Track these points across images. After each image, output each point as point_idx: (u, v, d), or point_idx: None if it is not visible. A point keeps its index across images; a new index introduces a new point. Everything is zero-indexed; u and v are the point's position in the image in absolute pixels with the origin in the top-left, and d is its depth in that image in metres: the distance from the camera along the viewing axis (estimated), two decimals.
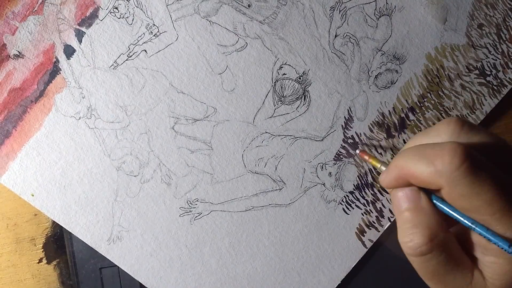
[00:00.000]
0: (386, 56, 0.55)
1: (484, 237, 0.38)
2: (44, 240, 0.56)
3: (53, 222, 0.56)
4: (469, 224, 0.39)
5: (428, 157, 0.39)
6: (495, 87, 0.56)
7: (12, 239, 0.55)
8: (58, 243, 0.57)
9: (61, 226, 0.54)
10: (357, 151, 0.53)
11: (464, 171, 0.37)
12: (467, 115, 0.56)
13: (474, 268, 0.41)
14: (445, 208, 0.40)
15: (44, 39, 0.52)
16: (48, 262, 0.56)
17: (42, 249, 0.56)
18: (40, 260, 0.56)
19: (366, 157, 0.51)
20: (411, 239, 0.40)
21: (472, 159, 0.37)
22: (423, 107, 0.56)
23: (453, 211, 0.40)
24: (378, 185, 0.56)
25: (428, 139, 0.42)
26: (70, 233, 0.54)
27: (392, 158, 0.55)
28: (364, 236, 0.56)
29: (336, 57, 0.55)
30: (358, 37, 0.55)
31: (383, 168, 0.48)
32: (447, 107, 0.56)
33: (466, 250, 0.42)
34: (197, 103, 0.54)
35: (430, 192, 0.41)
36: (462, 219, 0.39)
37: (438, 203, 0.41)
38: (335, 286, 0.56)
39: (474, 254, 0.41)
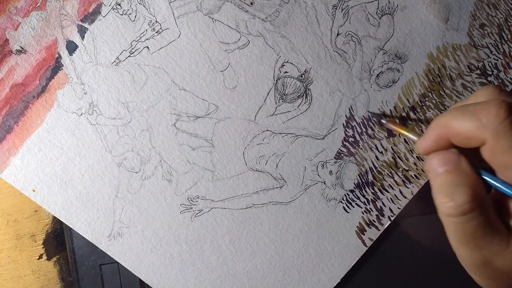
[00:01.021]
0: (388, 55, 0.55)
1: None
2: (44, 236, 0.56)
3: (54, 218, 0.56)
4: (506, 188, 0.39)
5: (473, 112, 0.39)
6: None
7: (12, 235, 0.56)
8: (58, 240, 0.57)
9: (61, 222, 0.54)
10: (384, 121, 0.53)
11: (510, 124, 0.37)
12: None
13: (509, 236, 0.40)
14: (486, 175, 0.40)
15: (46, 34, 0.52)
16: (48, 259, 0.56)
17: (42, 246, 0.56)
18: (40, 256, 0.56)
19: (395, 127, 0.51)
20: (452, 198, 0.39)
21: None
22: (424, 107, 0.56)
23: (492, 178, 0.40)
24: (378, 184, 0.56)
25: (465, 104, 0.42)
26: (71, 229, 0.54)
27: (393, 158, 0.55)
28: (364, 234, 0.56)
29: (338, 56, 0.55)
30: (360, 35, 0.55)
31: (412, 136, 0.47)
32: (448, 106, 0.56)
33: (501, 219, 0.41)
34: (198, 100, 0.54)
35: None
36: (500, 184, 0.39)
37: (483, 173, 0.41)
38: (335, 284, 0.56)
39: (509, 223, 0.41)
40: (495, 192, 0.41)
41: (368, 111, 0.56)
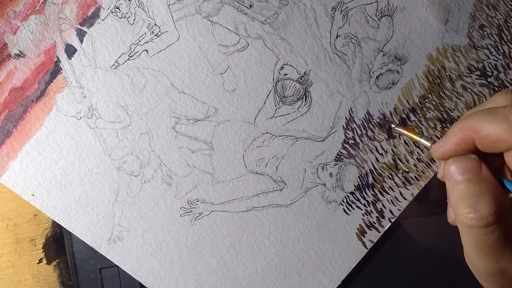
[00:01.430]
0: (388, 57, 0.55)
1: None
2: (44, 240, 0.56)
3: (53, 222, 0.56)
4: None
5: (503, 115, 0.38)
6: (496, 88, 0.56)
7: (12, 239, 0.55)
8: (58, 244, 0.56)
9: (61, 226, 0.54)
10: (393, 125, 0.52)
11: None
12: None
13: None
14: (507, 182, 0.40)
15: (45, 38, 0.52)
16: (48, 263, 0.56)
17: (42, 250, 0.56)
18: (40, 261, 0.56)
19: (405, 131, 0.50)
20: (474, 209, 0.38)
21: None
22: (424, 108, 0.56)
23: None
24: (379, 186, 0.56)
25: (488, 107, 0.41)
26: (70, 233, 0.54)
27: (393, 160, 0.55)
28: (364, 236, 0.56)
29: (337, 58, 0.55)
30: (359, 37, 0.55)
31: (424, 141, 0.47)
32: (448, 108, 0.56)
33: None
34: (198, 103, 0.54)
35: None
36: None
37: (505, 180, 0.40)
38: (336, 287, 0.56)
39: None
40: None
41: (379, 117, 0.55)
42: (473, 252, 0.40)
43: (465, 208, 0.38)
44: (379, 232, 0.56)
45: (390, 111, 0.55)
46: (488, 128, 0.39)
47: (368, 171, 0.56)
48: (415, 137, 0.49)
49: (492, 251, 0.39)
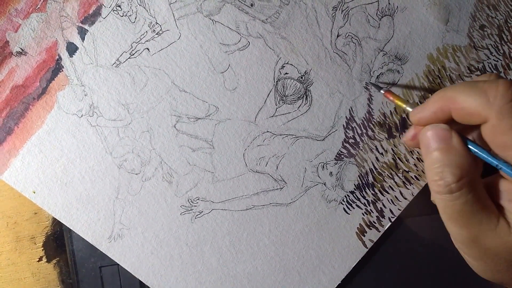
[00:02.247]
0: (388, 57, 0.55)
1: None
2: (44, 238, 0.56)
3: (53, 220, 0.56)
4: (499, 163, 0.40)
5: (481, 89, 0.39)
6: None
7: (12, 237, 0.55)
8: (58, 242, 0.56)
9: (61, 224, 0.54)
10: (382, 91, 0.52)
11: None
12: None
13: (500, 216, 0.41)
14: (477, 149, 0.41)
15: (46, 36, 0.52)
16: (48, 261, 0.56)
17: (42, 248, 0.56)
18: (40, 259, 0.56)
19: (391, 98, 0.51)
20: (441, 176, 0.40)
21: None
22: None
23: (483, 152, 0.41)
24: (379, 185, 0.56)
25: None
26: (70, 231, 0.54)
27: (393, 159, 0.55)
28: (364, 236, 0.56)
29: (338, 57, 0.55)
30: (360, 37, 0.55)
31: (409, 108, 0.47)
32: None
33: (492, 199, 0.42)
34: (199, 101, 0.54)
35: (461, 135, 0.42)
36: (492, 160, 0.40)
37: (471, 144, 0.41)
38: (336, 286, 0.56)
39: (500, 203, 0.42)
40: (490, 176, 0.42)
41: (369, 82, 0.55)
42: (446, 219, 0.42)
43: (434, 176, 0.41)
44: (379, 231, 0.56)
45: (390, 111, 0.56)
46: (465, 100, 0.40)
47: (368, 170, 0.56)
48: (399, 103, 0.49)
49: (461, 218, 0.41)
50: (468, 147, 0.41)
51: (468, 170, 0.40)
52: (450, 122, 0.42)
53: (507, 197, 0.41)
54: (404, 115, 0.56)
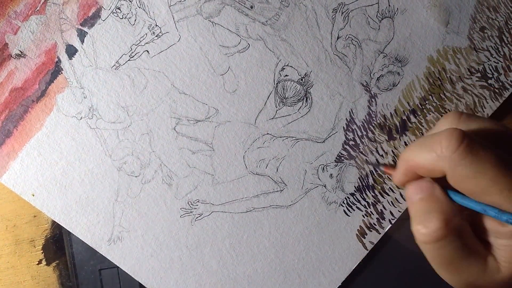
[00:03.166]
0: (388, 58, 0.55)
1: (497, 218, 0.39)
2: (43, 241, 0.56)
3: (53, 223, 0.56)
4: (481, 208, 0.40)
5: (428, 145, 0.40)
6: (496, 90, 0.56)
7: (11, 240, 0.55)
8: (58, 245, 0.56)
9: (60, 227, 0.54)
10: (382, 168, 0.53)
11: (463, 152, 0.38)
12: None
13: (488, 254, 0.41)
14: (457, 197, 0.42)
15: (46, 38, 0.52)
16: (48, 264, 0.56)
17: (42, 251, 0.56)
18: (40, 262, 0.56)
19: (390, 172, 0.52)
20: (425, 225, 0.40)
21: (469, 139, 0.38)
22: (424, 110, 0.56)
23: (464, 199, 0.41)
24: (379, 187, 0.56)
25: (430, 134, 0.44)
26: (70, 234, 0.54)
27: (393, 161, 0.55)
28: (365, 238, 0.56)
29: (338, 59, 0.55)
30: (360, 39, 0.55)
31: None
32: (448, 109, 0.56)
33: (479, 237, 0.42)
34: (198, 104, 0.54)
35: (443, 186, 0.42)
36: (473, 205, 0.40)
37: (452, 193, 0.42)
38: None
39: (487, 240, 0.42)
40: (471, 212, 0.42)
41: (373, 163, 0.56)
42: (435, 268, 0.43)
43: (417, 225, 0.41)
44: (380, 233, 0.56)
45: (390, 113, 0.55)
46: (420, 158, 0.42)
47: (369, 172, 0.56)
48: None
49: (452, 265, 0.41)
50: (451, 197, 0.42)
51: (452, 216, 0.41)
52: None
53: (493, 234, 0.41)
54: (404, 117, 0.56)
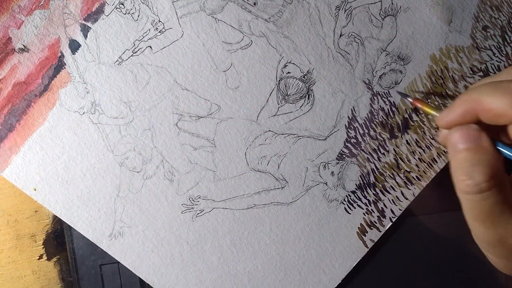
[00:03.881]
0: (391, 57, 0.55)
1: None
2: (44, 236, 0.56)
3: (54, 218, 0.56)
4: None
5: (506, 89, 0.39)
6: None
7: (12, 235, 0.55)
8: (59, 240, 0.56)
9: (61, 222, 0.54)
10: (410, 99, 0.52)
11: None
12: None
13: None
14: (506, 150, 0.41)
15: (49, 33, 0.52)
16: (49, 259, 0.56)
17: (43, 246, 0.56)
18: (41, 257, 0.56)
19: (420, 105, 0.50)
20: (470, 176, 0.40)
21: None
22: None
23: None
24: (380, 185, 0.56)
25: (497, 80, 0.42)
26: (71, 229, 0.54)
27: (395, 160, 0.55)
28: (365, 236, 0.56)
29: (340, 57, 0.55)
30: (363, 36, 0.55)
31: (434, 112, 0.47)
32: None
33: None
34: (201, 100, 0.54)
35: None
36: None
37: (501, 145, 0.41)
38: (336, 285, 0.56)
39: None
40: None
41: (397, 91, 0.56)
42: (472, 220, 0.42)
43: (462, 176, 0.40)
44: (380, 231, 0.56)
45: (392, 111, 0.55)
46: (490, 101, 0.40)
47: (370, 170, 0.56)
48: (428, 110, 0.49)
49: (489, 218, 0.40)
50: (497, 148, 0.41)
51: (498, 170, 0.40)
52: (477, 123, 0.42)
53: None
54: (406, 116, 0.56)
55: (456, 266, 0.58)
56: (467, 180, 0.40)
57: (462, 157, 0.41)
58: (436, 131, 0.56)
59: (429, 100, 0.56)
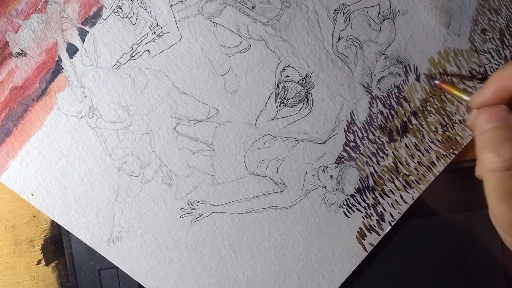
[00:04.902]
0: (389, 60, 0.55)
1: None
2: (42, 241, 0.56)
3: (52, 223, 0.56)
4: None
5: None
6: None
7: (10, 240, 0.55)
8: (57, 245, 0.56)
9: (59, 227, 0.54)
10: (437, 82, 0.52)
11: None
12: None
13: None
14: None
15: (47, 37, 0.52)
16: (47, 264, 0.56)
17: (41, 251, 0.56)
18: (39, 262, 0.56)
19: (448, 88, 0.51)
20: (497, 153, 0.40)
21: None
22: (425, 112, 0.56)
23: None
24: (379, 189, 0.56)
25: None
26: (69, 234, 0.54)
27: (394, 163, 0.55)
28: (364, 239, 0.56)
29: (339, 60, 0.55)
30: (361, 40, 0.55)
31: (466, 97, 0.47)
32: (449, 111, 0.56)
33: None
34: (199, 104, 0.54)
35: None
36: None
37: None
38: None
39: None
40: None
41: (424, 73, 0.55)
42: (494, 199, 0.41)
43: (488, 153, 0.40)
44: (379, 235, 0.56)
45: (391, 114, 0.55)
46: None
47: (369, 174, 0.56)
48: (456, 92, 0.50)
49: None
50: None
51: None
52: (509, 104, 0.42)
53: None
54: (405, 119, 0.56)
55: (456, 270, 0.58)
56: (494, 157, 0.40)
57: (489, 134, 0.41)
58: (435, 134, 0.56)
59: (427, 104, 0.56)
